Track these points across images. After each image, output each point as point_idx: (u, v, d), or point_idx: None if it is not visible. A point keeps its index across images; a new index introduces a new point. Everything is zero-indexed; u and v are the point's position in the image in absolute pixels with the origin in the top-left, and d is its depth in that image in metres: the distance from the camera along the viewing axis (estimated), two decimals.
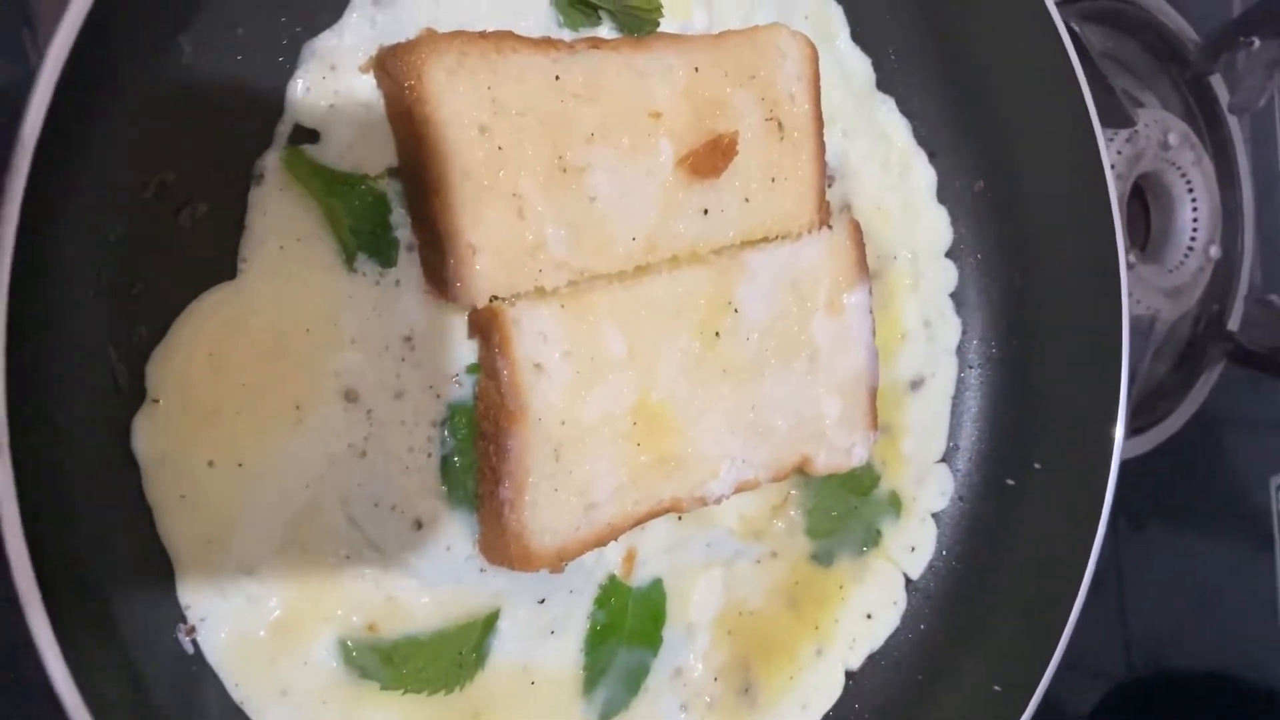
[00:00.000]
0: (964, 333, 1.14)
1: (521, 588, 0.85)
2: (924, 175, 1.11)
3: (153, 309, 0.73)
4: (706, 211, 0.88)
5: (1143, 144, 1.33)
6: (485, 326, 0.80)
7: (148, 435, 0.72)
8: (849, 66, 1.06)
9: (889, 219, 1.08)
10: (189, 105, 0.73)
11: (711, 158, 0.88)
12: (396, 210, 0.80)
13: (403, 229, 0.81)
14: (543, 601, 0.87)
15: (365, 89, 0.78)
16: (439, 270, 0.78)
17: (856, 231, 0.98)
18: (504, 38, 0.79)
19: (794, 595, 1.02)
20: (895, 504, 1.09)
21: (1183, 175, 1.39)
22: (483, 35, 0.78)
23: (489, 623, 0.84)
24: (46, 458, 0.65)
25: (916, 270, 1.10)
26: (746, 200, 0.90)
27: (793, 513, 1.01)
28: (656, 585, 0.93)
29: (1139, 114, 1.34)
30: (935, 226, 1.12)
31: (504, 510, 0.79)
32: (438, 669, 0.82)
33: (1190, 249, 1.42)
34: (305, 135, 0.78)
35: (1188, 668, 1.44)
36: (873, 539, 1.07)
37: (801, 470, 0.96)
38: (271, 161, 0.76)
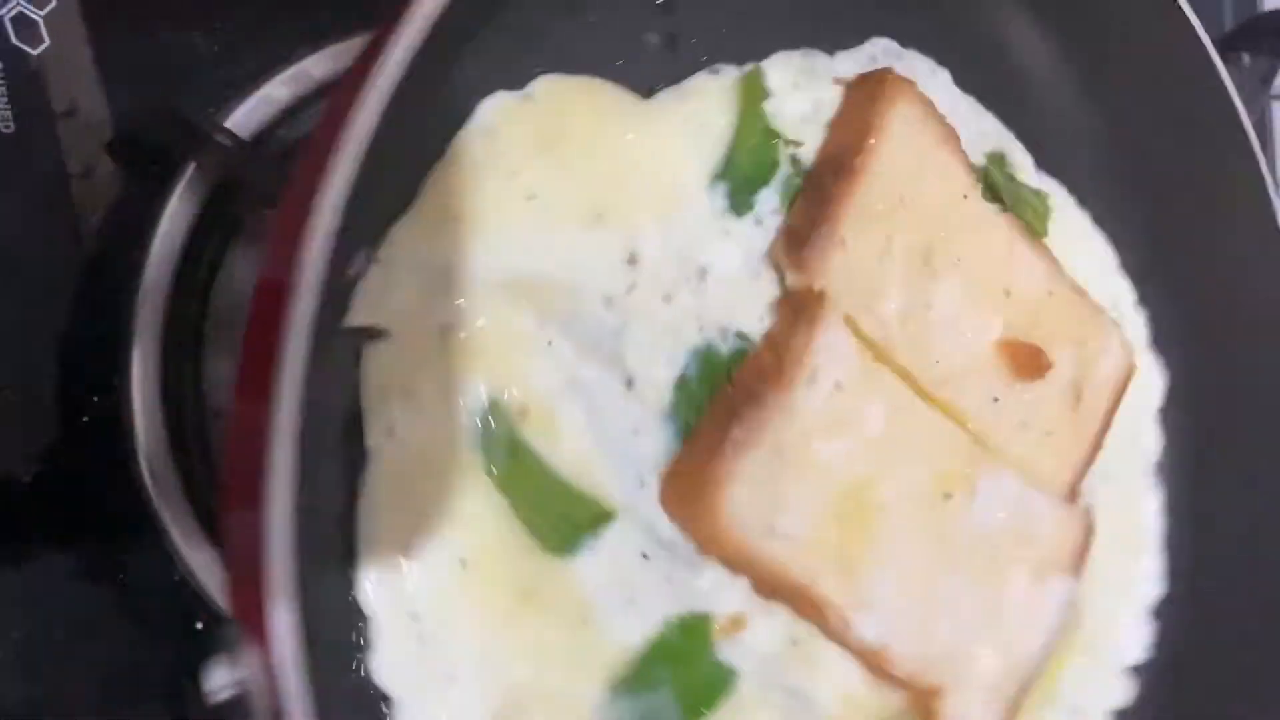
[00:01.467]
0: None
1: (641, 528, 0.81)
2: (1150, 580, 1.11)
3: None
4: (996, 400, 0.95)
5: None
6: (805, 304, 0.86)
7: None
8: (1142, 437, 1.12)
9: (1093, 581, 1.05)
10: None
11: (1028, 359, 0.96)
12: (774, 183, 0.91)
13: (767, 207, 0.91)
14: (645, 557, 0.81)
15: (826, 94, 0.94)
16: (802, 243, 0.87)
17: (1088, 530, 1.01)
18: (954, 136, 0.95)
19: None
20: None
21: None
22: (944, 119, 0.94)
23: (599, 519, 0.79)
24: None
25: (1091, 648, 1.07)
26: (1023, 425, 0.97)
27: None
28: (731, 673, 0.85)
29: None
30: (1131, 636, 1.09)
31: (727, 450, 0.80)
32: (546, 515, 0.77)
33: None
34: None
35: None
36: None
37: (924, 701, 0.90)
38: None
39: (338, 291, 0.71)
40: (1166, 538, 1.12)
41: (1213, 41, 1.45)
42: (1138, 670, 1.09)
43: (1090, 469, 1.03)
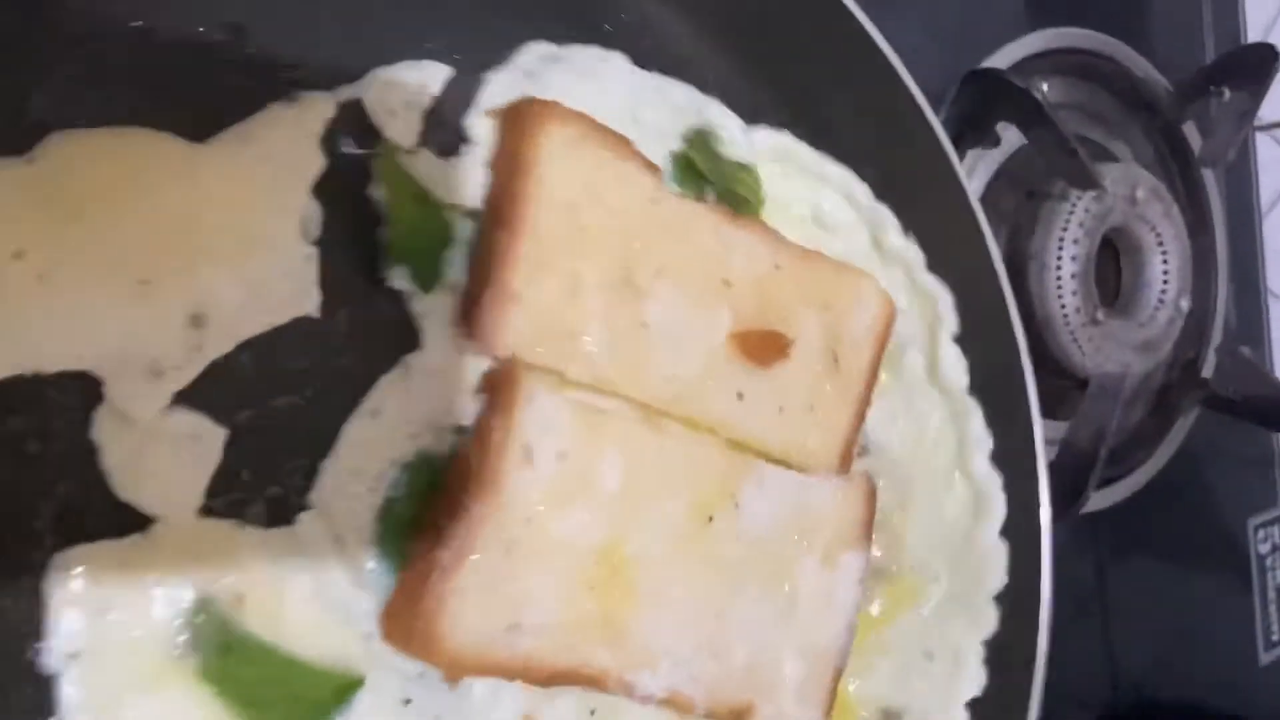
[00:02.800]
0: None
1: (393, 677, 0.78)
2: (993, 504, 1.09)
3: None
4: (741, 397, 0.92)
5: (1110, 200, 1.40)
6: (497, 383, 0.81)
7: None
8: (939, 363, 1.09)
9: (918, 525, 1.05)
10: None
11: (764, 345, 0.93)
12: (453, 251, 0.84)
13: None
14: (408, 703, 0.79)
15: (481, 129, 0.86)
16: (475, 310, 0.81)
17: (871, 495, 1.00)
18: (624, 143, 0.88)
19: None
20: None
21: (1152, 229, 1.46)
22: (606, 129, 0.87)
23: (345, 690, 0.76)
24: None
25: (946, 595, 1.06)
26: (780, 410, 0.94)
27: None
28: None
29: (1106, 170, 1.40)
30: (988, 565, 1.08)
31: (433, 578, 0.75)
32: (275, 700, 0.74)
33: (1161, 302, 1.49)
34: None
35: (1172, 700, 1.51)
36: None
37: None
38: None
39: None
40: (993, 454, 1.10)
41: (1194, 74, 1.49)
42: (999, 598, 1.08)
43: (862, 423, 1.01)
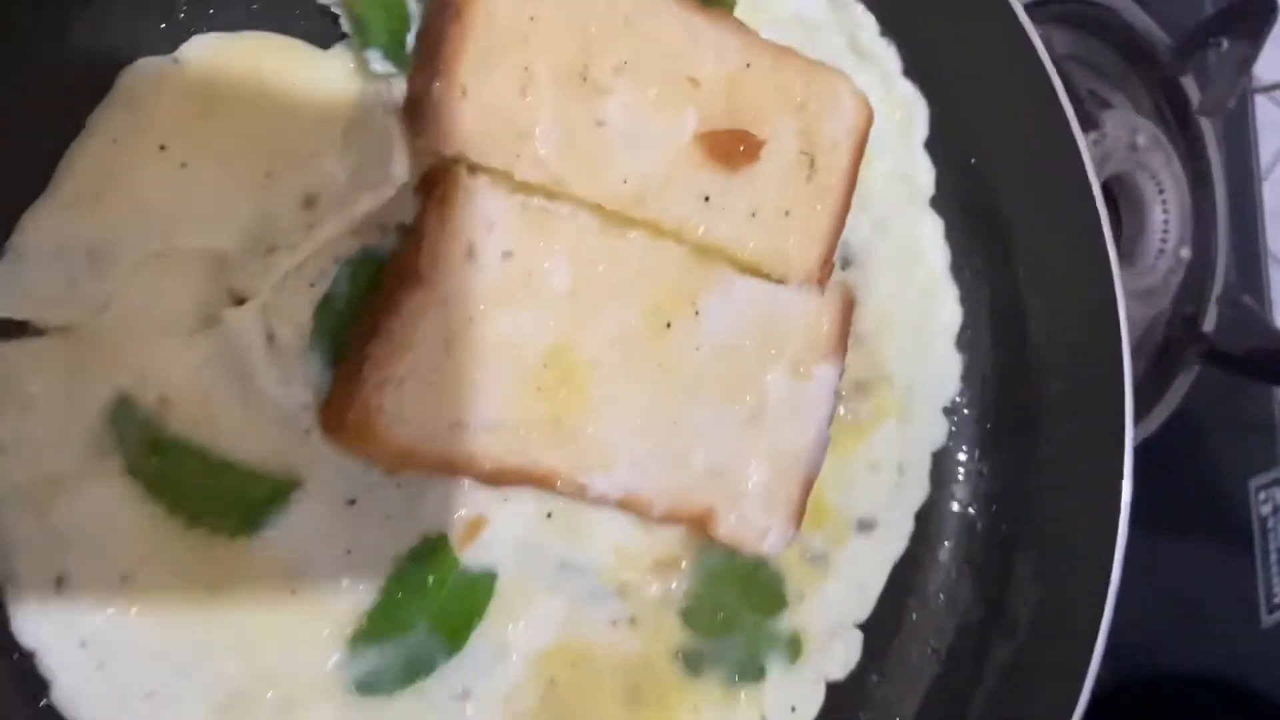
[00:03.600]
0: (931, 504, 1.06)
1: (337, 476, 0.78)
2: (948, 313, 1.07)
3: None
4: (708, 199, 0.88)
5: (1110, 145, 1.39)
6: (435, 181, 0.78)
7: None
8: (910, 170, 1.05)
9: (893, 338, 1.03)
10: None
11: (732, 147, 0.88)
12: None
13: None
14: (352, 503, 0.79)
15: None
16: (420, 105, 0.78)
17: (848, 305, 0.96)
18: None
19: (638, 688, 0.89)
20: (794, 648, 0.96)
21: (1153, 177, 1.45)
22: None
23: (280, 491, 0.76)
24: None
25: (907, 407, 1.04)
26: (752, 215, 0.90)
27: (675, 585, 0.91)
28: (487, 578, 0.83)
29: (1105, 116, 1.38)
30: (943, 372, 1.07)
31: (366, 369, 0.74)
32: (206, 500, 0.74)
33: (1161, 250, 1.48)
34: None
35: (1174, 671, 1.49)
36: (753, 673, 0.94)
37: (701, 527, 0.89)
38: None
39: None
40: (953, 265, 1.08)
41: (1193, 28, 1.45)
42: (951, 409, 1.07)
43: (842, 231, 0.96)
